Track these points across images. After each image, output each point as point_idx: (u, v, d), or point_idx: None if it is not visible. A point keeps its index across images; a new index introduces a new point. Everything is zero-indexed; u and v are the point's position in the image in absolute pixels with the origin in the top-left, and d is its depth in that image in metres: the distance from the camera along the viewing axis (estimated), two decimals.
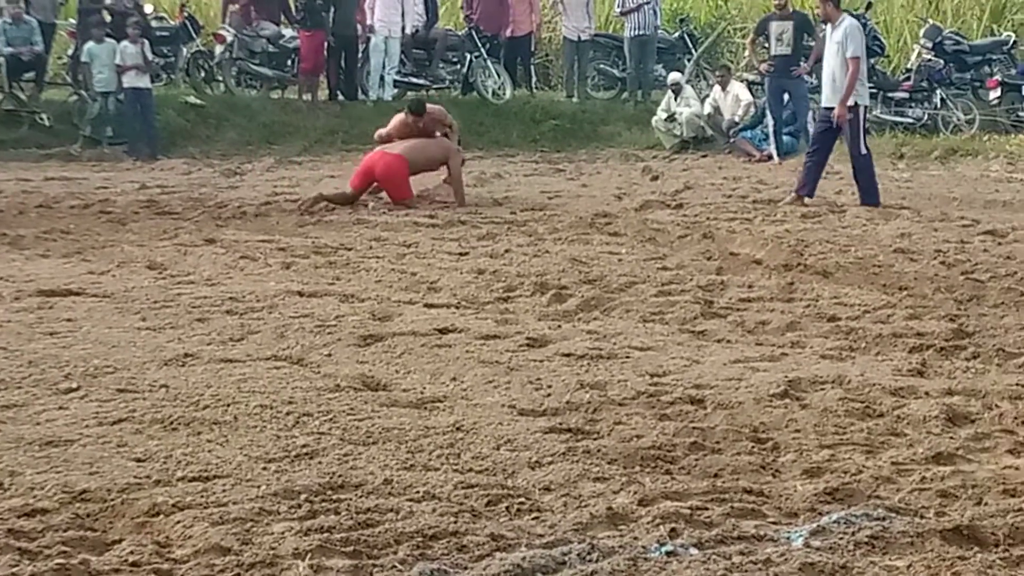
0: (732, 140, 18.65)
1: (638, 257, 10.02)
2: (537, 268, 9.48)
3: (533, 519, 4.47)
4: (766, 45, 18.23)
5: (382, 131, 13.97)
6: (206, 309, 7.96)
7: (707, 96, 19.43)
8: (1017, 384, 6.20)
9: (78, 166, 16.77)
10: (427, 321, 7.62)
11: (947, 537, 4.26)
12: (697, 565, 4.05)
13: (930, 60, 19.81)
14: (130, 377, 6.28)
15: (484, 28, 21.13)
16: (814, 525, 4.39)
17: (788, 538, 4.28)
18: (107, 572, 4.04)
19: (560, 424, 5.56)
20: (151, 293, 8.47)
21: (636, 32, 21.15)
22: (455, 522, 4.38)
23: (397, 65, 20.59)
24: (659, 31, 21.89)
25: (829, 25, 13.30)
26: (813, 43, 18.00)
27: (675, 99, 19.17)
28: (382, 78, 20.38)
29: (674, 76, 19.59)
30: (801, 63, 17.75)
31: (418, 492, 4.69)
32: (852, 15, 14.40)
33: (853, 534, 4.27)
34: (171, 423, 5.52)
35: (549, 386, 6.18)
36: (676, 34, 22.70)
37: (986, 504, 4.62)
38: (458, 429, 5.47)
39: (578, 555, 4.09)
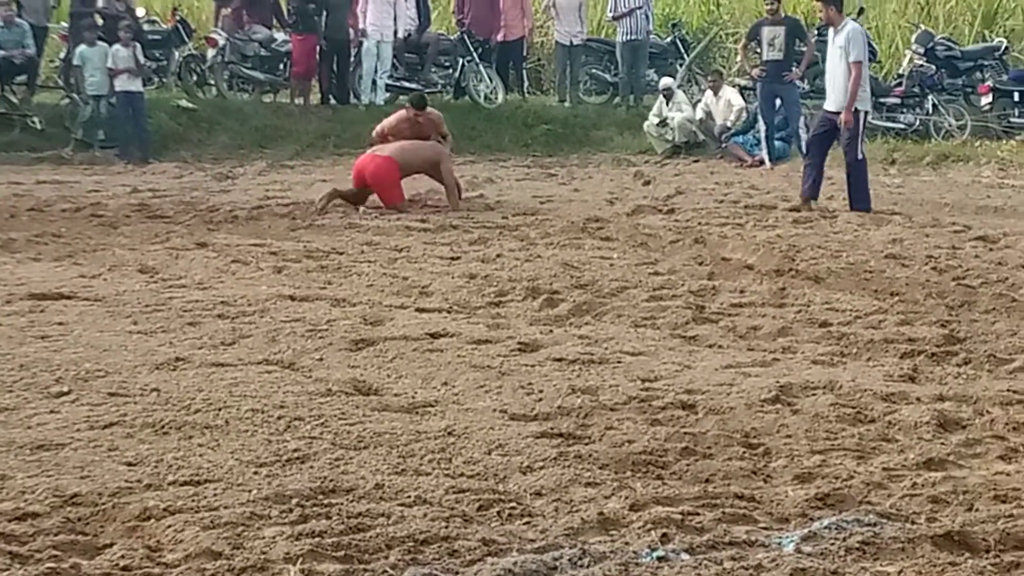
0: (724, 145, 18.65)
1: (630, 262, 10.02)
2: (529, 273, 9.48)
3: (524, 524, 4.47)
4: (758, 50, 18.22)
5: (379, 127, 14.00)
6: (197, 313, 7.95)
7: (699, 101, 19.41)
8: (1008, 390, 6.21)
9: (70, 169, 16.73)
10: (419, 325, 7.62)
11: (938, 543, 4.27)
12: (688, 570, 4.06)
13: (922, 66, 19.82)
14: (121, 381, 6.27)
15: (476, 32, 21.10)
16: (805, 531, 4.40)
17: (779, 543, 4.29)
18: None
19: (551, 429, 5.56)
20: (142, 297, 8.46)
21: (628, 37, 21.14)
22: (446, 527, 4.39)
23: (389, 69, 20.55)
24: (651, 36, 21.87)
25: (832, 30, 13.29)
26: (805, 48, 18.05)
27: (667, 104, 19.16)
28: (374, 82, 20.34)
29: (666, 81, 19.59)
30: (793, 68, 17.77)
31: (409, 497, 4.69)
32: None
33: (844, 540, 4.28)
34: (162, 427, 5.52)
35: (540, 391, 6.18)
36: (668, 39, 22.67)
37: (977, 510, 4.63)
38: (449, 434, 5.47)
39: (569, 560, 4.10)
